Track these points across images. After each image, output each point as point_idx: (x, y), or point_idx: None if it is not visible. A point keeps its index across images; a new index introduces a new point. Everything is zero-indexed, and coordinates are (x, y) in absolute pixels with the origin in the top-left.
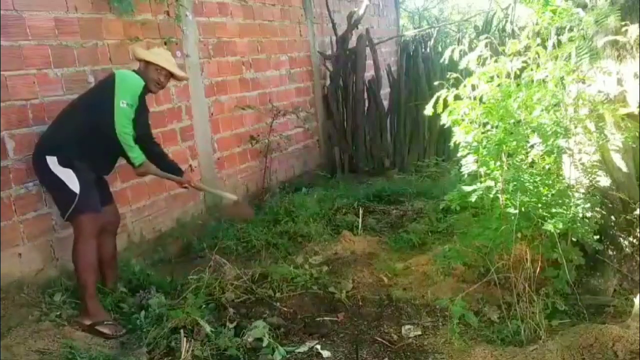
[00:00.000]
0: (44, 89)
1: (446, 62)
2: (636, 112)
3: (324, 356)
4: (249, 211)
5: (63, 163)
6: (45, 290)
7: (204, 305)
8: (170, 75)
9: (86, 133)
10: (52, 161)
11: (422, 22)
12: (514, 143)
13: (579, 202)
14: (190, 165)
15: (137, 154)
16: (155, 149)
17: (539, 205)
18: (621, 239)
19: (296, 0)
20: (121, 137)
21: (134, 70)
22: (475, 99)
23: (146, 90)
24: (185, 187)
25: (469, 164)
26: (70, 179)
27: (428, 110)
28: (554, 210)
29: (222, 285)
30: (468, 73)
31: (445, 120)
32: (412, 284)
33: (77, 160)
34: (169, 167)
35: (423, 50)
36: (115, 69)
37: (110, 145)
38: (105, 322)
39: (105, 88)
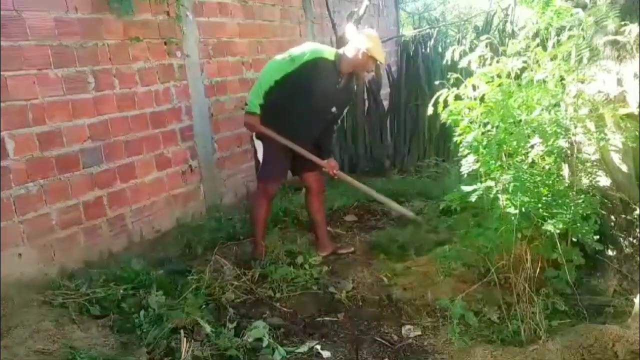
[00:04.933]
0: (44, 89)
1: (448, 63)
2: (636, 112)
3: (324, 356)
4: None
5: (257, 135)
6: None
7: (204, 305)
8: (373, 59)
9: (272, 107)
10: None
11: (422, 23)
12: (514, 143)
13: (579, 202)
14: (190, 166)
15: (254, 101)
16: (330, 136)
17: (539, 205)
18: (621, 239)
19: (296, 0)
20: (261, 74)
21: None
22: (475, 99)
23: (324, 66)
24: (329, 174)
25: (469, 164)
26: (259, 149)
27: (429, 111)
28: (554, 210)
29: (222, 285)
30: (468, 73)
31: (444, 118)
32: (412, 284)
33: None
34: (320, 148)
35: (423, 50)
36: (115, 69)
37: (295, 115)
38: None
39: None
